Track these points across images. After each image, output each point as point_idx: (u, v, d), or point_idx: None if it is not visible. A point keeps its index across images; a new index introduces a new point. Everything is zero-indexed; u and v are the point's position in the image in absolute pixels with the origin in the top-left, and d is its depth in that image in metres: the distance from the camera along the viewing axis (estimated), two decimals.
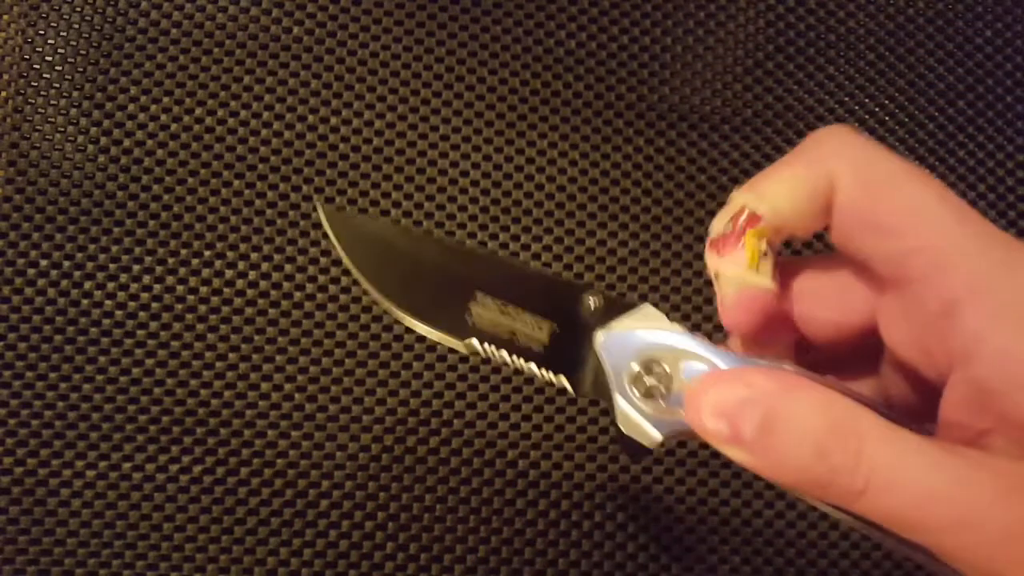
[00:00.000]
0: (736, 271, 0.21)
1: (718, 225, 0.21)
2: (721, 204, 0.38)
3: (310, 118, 0.37)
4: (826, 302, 0.22)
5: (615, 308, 0.22)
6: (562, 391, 0.24)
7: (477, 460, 0.36)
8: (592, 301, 0.22)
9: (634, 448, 0.21)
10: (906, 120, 0.40)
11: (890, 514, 0.17)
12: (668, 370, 0.21)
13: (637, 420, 0.21)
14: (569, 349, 0.23)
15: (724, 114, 0.39)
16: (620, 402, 0.21)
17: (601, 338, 0.22)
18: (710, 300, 0.38)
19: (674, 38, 0.39)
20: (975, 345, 0.18)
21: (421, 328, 0.24)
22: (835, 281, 0.22)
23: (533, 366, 0.23)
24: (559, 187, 0.38)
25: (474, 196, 0.37)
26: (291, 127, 0.37)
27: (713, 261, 0.21)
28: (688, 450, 0.37)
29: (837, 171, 0.19)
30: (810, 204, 0.20)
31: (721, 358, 0.20)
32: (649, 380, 0.21)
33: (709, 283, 0.38)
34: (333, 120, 0.37)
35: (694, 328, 0.27)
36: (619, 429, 0.21)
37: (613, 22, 0.39)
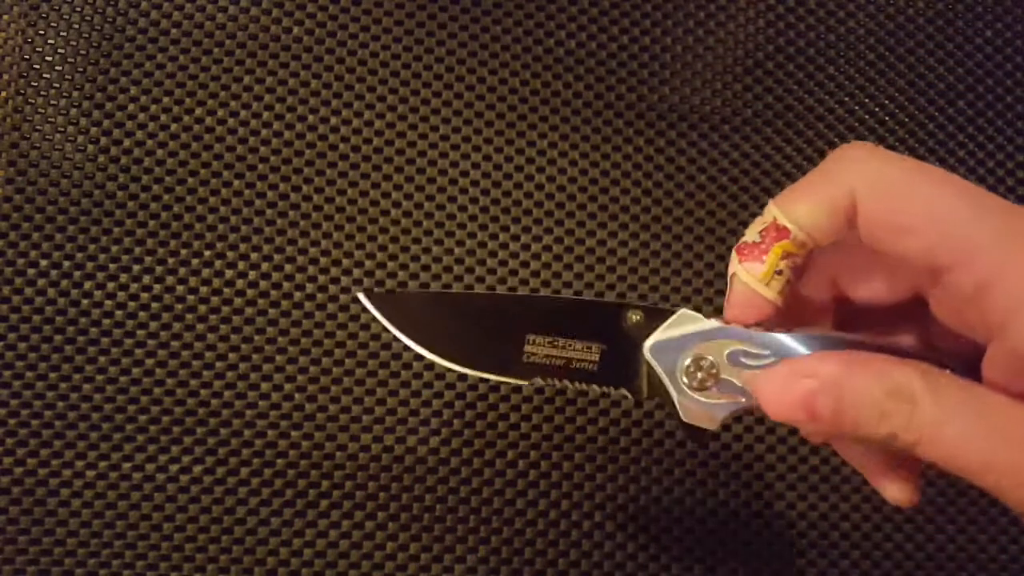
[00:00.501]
0: (750, 279, 0.23)
1: (750, 234, 0.23)
2: (721, 204, 0.38)
3: (310, 118, 0.37)
4: (874, 278, 0.24)
5: (655, 318, 0.25)
6: (619, 402, 0.28)
7: (477, 460, 0.36)
8: (633, 316, 0.25)
9: (699, 435, 0.24)
10: (906, 120, 0.40)
11: (941, 460, 0.20)
12: (714, 361, 0.24)
13: (697, 411, 0.24)
14: (620, 363, 0.25)
15: (724, 114, 0.39)
16: (678, 399, 0.24)
17: (649, 347, 0.25)
18: (710, 300, 0.38)
19: (674, 38, 0.39)
20: (1008, 320, 0.20)
21: (490, 378, 0.26)
22: (881, 260, 0.23)
23: (593, 386, 0.25)
24: (559, 187, 0.38)
25: (474, 196, 0.37)
26: (291, 127, 0.37)
27: (734, 263, 0.24)
28: (688, 451, 0.37)
29: (856, 186, 0.21)
30: (832, 220, 0.22)
31: (758, 340, 0.23)
32: (700, 374, 0.24)
33: (709, 283, 0.38)
34: (333, 120, 0.37)
35: None
36: (683, 422, 0.24)
37: (613, 22, 0.39)
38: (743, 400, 0.24)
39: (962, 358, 0.23)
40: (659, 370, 0.24)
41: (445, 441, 0.36)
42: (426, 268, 0.37)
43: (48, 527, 0.34)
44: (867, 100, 0.40)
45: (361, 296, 0.27)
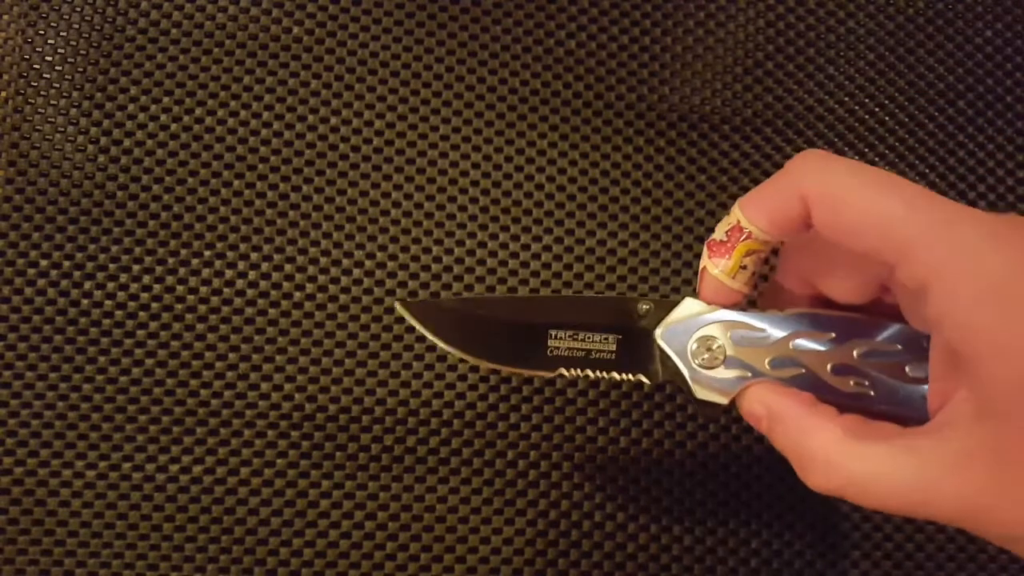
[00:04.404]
0: (718, 273, 0.26)
1: (718, 232, 0.26)
2: (721, 204, 0.38)
3: (310, 118, 0.37)
4: (842, 275, 0.26)
5: (663, 307, 0.27)
6: (639, 386, 0.33)
7: (477, 460, 0.36)
8: (644, 307, 0.27)
9: (712, 410, 0.26)
10: (906, 120, 0.40)
11: (872, 505, 0.22)
12: (720, 341, 0.26)
13: (708, 387, 0.26)
14: (636, 351, 0.27)
15: (724, 114, 0.39)
16: (690, 377, 0.26)
17: (660, 333, 0.27)
18: None
19: (674, 38, 0.39)
20: (942, 316, 0.21)
21: (516, 372, 0.29)
22: (847, 257, 0.25)
23: (613, 373, 0.28)
24: (559, 187, 0.38)
25: (474, 196, 0.37)
26: (291, 127, 0.37)
27: (704, 258, 0.26)
28: (687, 451, 0.37)
29: (807, 194, 0.23)
30: (786, 226, 0.24)
31: (753, 318, 0.26)
32: (708, 354, 0.26)
33: None
34: (333, 120, 0.37)
35: None
36: (696, 398, 0.26)
37: (613, 22, 0.39)
38: (750, 375, 0.26)
39: None
40: (671, 353, 0.27)
41: (445, 441, 0.36)
42: (426, 268, 0.37)
43: (48, 527, 0.34)
44: (867, 100, 0.40)
45: (398, 306, 0.29)
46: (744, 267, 0.26)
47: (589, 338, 0.28)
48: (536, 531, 0.36)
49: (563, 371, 0.28)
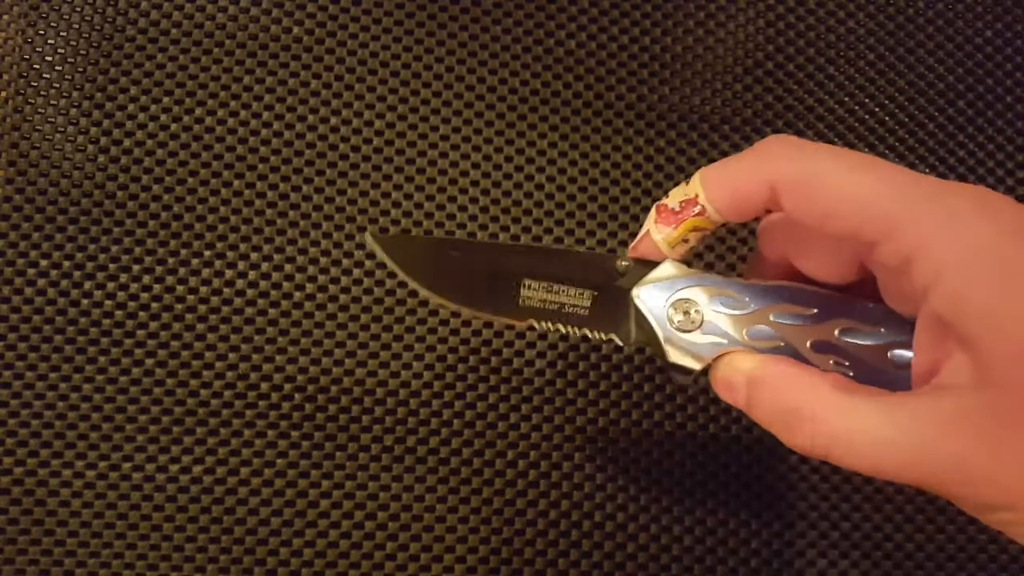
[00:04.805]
0: (660, 239, 0.26)
1: (672, 199, 0.26)
2: None
3: (310, 118, 0.37)
4: (819, 256, 0.25)
5: (643, 267, 0.26)
6: (609, 343, 0.30)
7: (477, 460, 0.36)
8: (622, 265, 0.27)
9: (684, 373, 0.26)
10: (906, 120, 0.40)
11: (858, 469, 0.21)
12: (699, 306, 0.25)
13: (682, 350, 0.25)
14: (611, 309, 0.27)
15: (724, 114, 0.39)
16: (664, 338, 0.26)
17: (637, 293, 0.26)
18: None
19: (674, 38, 0.39)
20: (929, 286, 0.21)
21: (483, 316, 0.27)
22: (826, 238, 0.25)
23: (585, 330, 0.27)
24: (559, 187, 0.38)
25: (474, 196, 0.37)
26: (291, 127, 0.37)
27: (651, 220, 0.26)
28: (687, 451, 0.37)
29: (775, 180, 0.23)
30: (749, 208, 0.24)
31: (734, 287, 0.25)
32: (685, 317, 0.25)
33: None
34: (333, 120, 0.37)
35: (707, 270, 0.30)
36: (668, 361, 0.25)
37: (613, 22, 0.39)
38: (726, 343, 0.25)
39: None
40: (647, 311, 0.26)
41: (445, 441, 0.36)
42: None
43: (48, 527, 0.34)
44: (867, 100, 0.40)
45: (368, 237, 0.28)
46: (686, 240, 0.26)
47: (564, 291, 0.27)
48: (536, 531, 0.36)
49: (534, 322, 0.27)
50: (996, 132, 0.40)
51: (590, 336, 0.27)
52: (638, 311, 0.26)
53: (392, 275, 0.36)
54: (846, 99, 0.40)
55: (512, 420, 0.36)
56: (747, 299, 0.25)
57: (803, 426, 0.22)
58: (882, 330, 0.25)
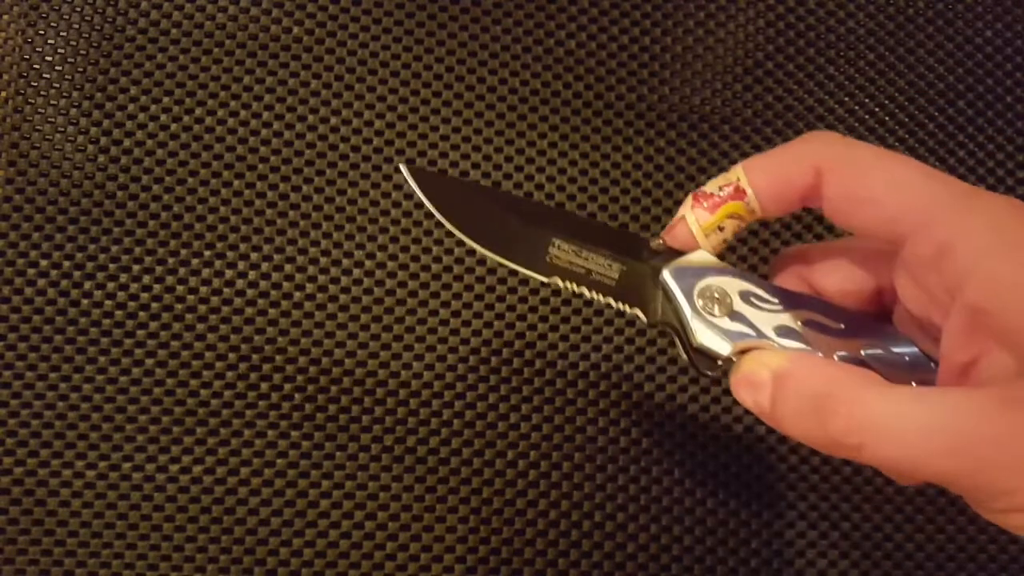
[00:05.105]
0: (695, 226, 0.25)
1: (711, 186, 0.25)
2: None
3: (310, 118, 0.37)
4: (838, 278, 0.26)
5: (674, 252, 0.26)
6: (631, 319, 0.30)
7: (477, 460, 0.36)
8: (656, 244, 0.26)
9: (707, 360, 0.25)
10: (906, 120, 0.40)
11: (889, 464, 0.20)
12: (729, 295, 0.25)
13: (709, 334, 0.25)
14: (638, 284, 0.26)
15: (724, 114, 0.39)
16: (691, 319, 0.25)
17: (667, 272, 0.25)
18: None
19: (674, 38, 0.39)
20: (968, 274, 0.20)
21: (509, 264, 0.26)
22: (847, 259, 0.26)
23: (610, 299, 0.26)
24: (559, 187, 0.38)
25: None
26: (291, 127, 0.37)
27: (686, 206, 0.26)
28: (687, 451, 0.37)
29: (821, 164, 0.23)
30: (790, 193, 0.24)
31: (765, 287, 0.25)
32: (714, 302, 0.25)
33: None
34: (333, 120, 0.37)
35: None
36: (692, 345, 0.25)
37: (613, 22, 0.39)
38: (753, 335, 0.24)
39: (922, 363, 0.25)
40: (675, 290, 0.25)
41: (445, 441, 0.36)
42: (426, 268, 0.37)
43: (48, 527, 0.34)
44: (867, 100, 0.40)
45: (403, 168, 0.28)
46: (722, 228, 0.25)
47: (593, 258, 0.26)
48: (536, 531, 0.36)
49: (559, 280, 0.26)
50: (996, 132, 0.40)
51: (614, 306, 0.26)
52: (666, 291, 0.26)
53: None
54: (846, 99, 0.40)
55: (512, 420, 0.36)
56: (777, 301, 0.25)
57: (839, 409, 0.21)
58: (907, 359, 0.25)
